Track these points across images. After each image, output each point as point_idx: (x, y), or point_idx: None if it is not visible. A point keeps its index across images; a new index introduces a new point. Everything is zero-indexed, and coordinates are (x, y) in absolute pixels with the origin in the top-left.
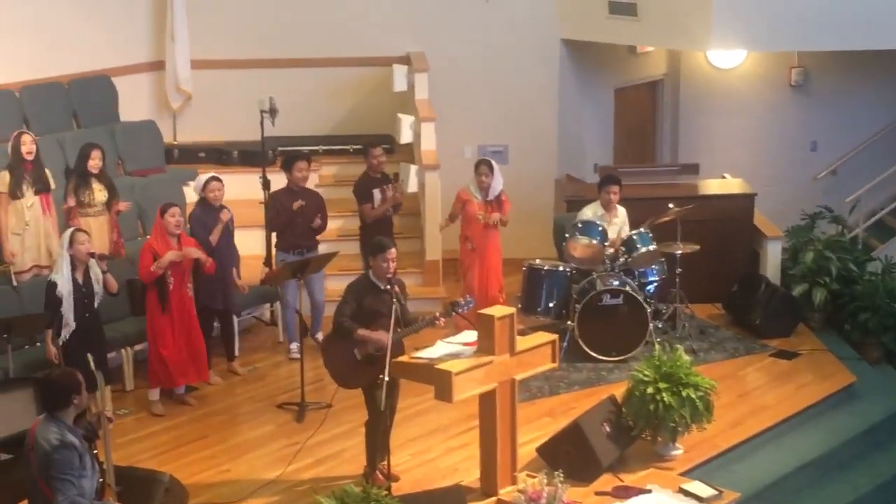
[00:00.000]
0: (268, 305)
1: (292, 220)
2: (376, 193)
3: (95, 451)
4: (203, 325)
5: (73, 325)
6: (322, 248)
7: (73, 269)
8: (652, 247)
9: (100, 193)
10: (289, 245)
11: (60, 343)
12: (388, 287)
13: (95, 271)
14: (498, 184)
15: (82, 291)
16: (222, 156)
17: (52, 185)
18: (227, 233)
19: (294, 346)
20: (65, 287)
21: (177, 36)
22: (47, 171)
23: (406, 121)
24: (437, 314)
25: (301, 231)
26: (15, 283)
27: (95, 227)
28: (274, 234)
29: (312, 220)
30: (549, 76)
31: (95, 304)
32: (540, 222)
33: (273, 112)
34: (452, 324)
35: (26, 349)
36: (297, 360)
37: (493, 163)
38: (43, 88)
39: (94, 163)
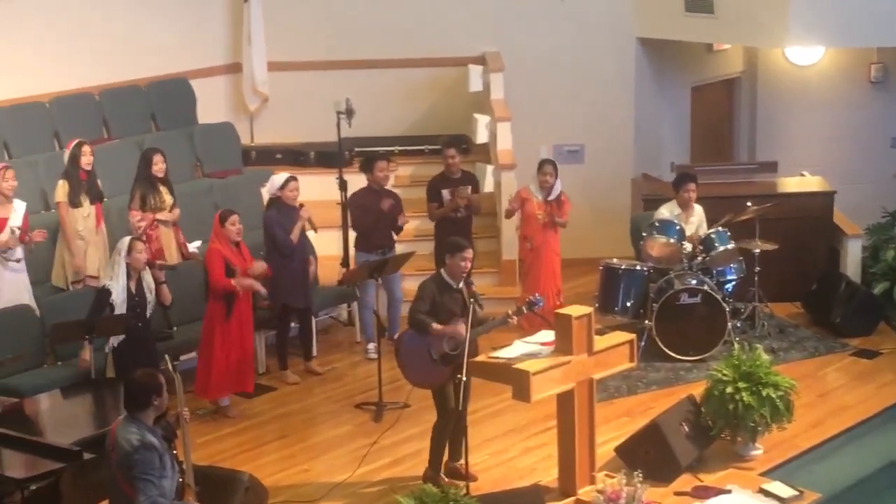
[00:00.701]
0: (345, 306)
1: (378, 219)
2: (445, 193)
3: (175, 452)
4: (281, 325)
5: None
6: (399, 248)
7: (128, 277)
8: (730, 245)
9: (167, 197)
10: (370, 245)
11: (107, 350)
12: (462, 286)
13: (148, 280)
14: (559, 184)
15: (135, 300)
16: (299, 157)
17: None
18: (305, 233)
19: (371, 346)
20: (119, 295)
21: (253, 38)
22: (98, 180)
23: (482, 121)
24: (510, 313)
25: (384, 231)
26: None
27: (164, 232)
28: (352, 235)
29: (396, 221)
30: (625, 74)
31: (147, 314)
32: (616, 221)
33: (350, 113)
34: (519, 323)
35: (105, 351)
36: (375, 360)
37: (556, 163)
38: (122, 91)
39: (159, 167)
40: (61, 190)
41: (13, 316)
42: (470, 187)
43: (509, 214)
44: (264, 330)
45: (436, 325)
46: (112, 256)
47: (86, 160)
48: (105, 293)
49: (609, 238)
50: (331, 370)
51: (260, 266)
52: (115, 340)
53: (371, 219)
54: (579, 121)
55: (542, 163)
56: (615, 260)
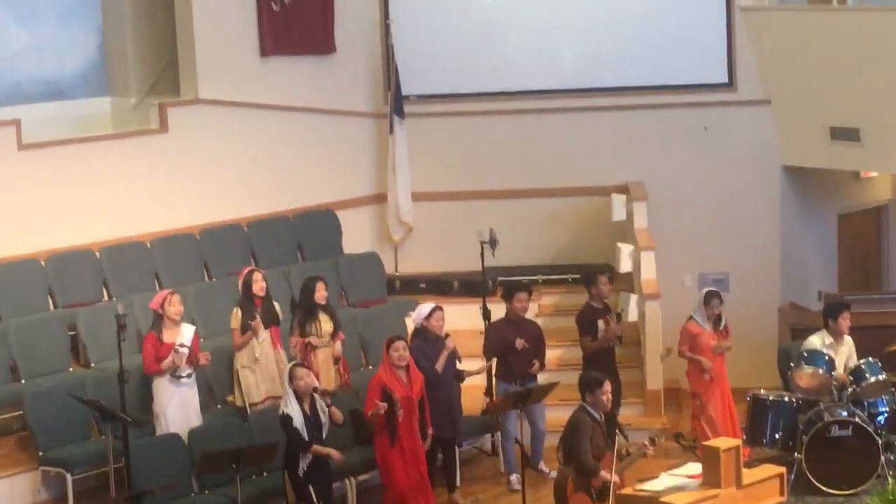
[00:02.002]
0: (488, 436)
1: (510, 352)
2: (600, 324)
3: None
4: (428, 455)
5: (310, 456)
6: (542, 378)
7: (300, 401)
8: (882, 376)
9: (326, 324)
10: (513, 375)
11: (300, 474)
12: (604, 418)
13: (320, 403)
14: (724, 314)
15: (311, 423)
16: (443, 286)
17: (281, 318)
18: (452, 361)
19: (514, 477)
20: (297, 420)
21: (398, 169)
22: (276, 304)
23: (625, 250)
24: (646, 443)
25: (523, 362)
26: (249, 413)
27: (322, 358)
28: (495, 365)
29: (532, 355)
30: (771, 202)
31: (323, 435)
32: (763, 351)
33: (493, 243)
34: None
35: (254, 479)
36: (518, 491)
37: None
38: (269, 222)
39: (321, 294)
40: (235, 317)
41: (167, 443)
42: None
43: (681, 353)
44: None
45: (604, 473)
46: (284, 382)
47: (258, 286)
48: (286, 419)
49: (755, 367)
50: (475, 501)
51: (337, 415)
52: (304, 464)
53: (501, 351)
54: (724, 249)
55: (709, 294)
56: (762, 390)
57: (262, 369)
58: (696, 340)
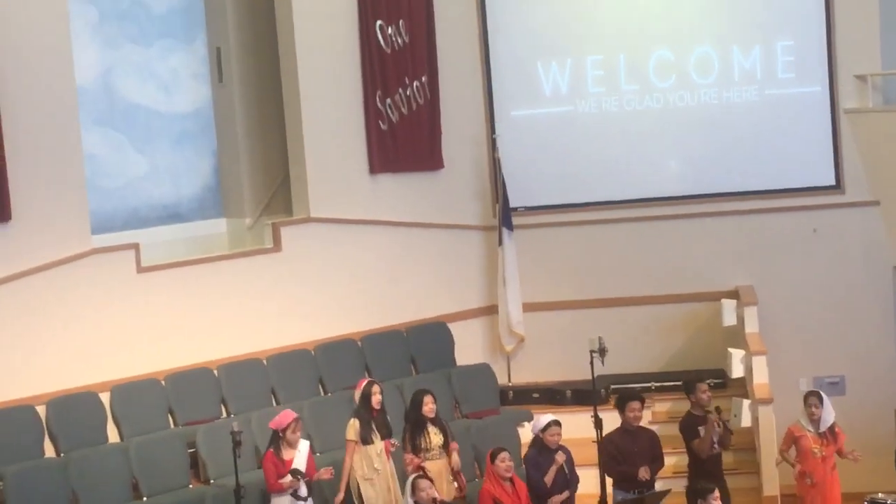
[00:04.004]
0: None
1: (626, 461)
2: (701, 431)
3: None
4: None
5: None
6: (657, 485)
7: None
8: None
9: (436, 437)
10: (628, 484)
11: None
12: None
13: None
14: (829, 415)
15: None
16: (555, 395)
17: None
18: (563, 474)
19: None
20: None
21: (508, 280)
22: (388, 417)
23: (737, 355)
24: None
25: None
26: None
27: (434, 471)
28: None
29: (649, 463)
30: (884, 302)
31: None
32: (881, 454)
33: (602, 351)
34: None
35: None
36: None
37: (823, 394)
38: (382, 336)
39: (429, 407)
40: (352, 428)
41: None
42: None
43: (784, 456)
44: None
45: None
46: (406, 495)
47: (376, 399)
48: None
49: (873, 471)
50: None
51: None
52: None
53: (619, 464)
54: (838, 351)
55: (807, 395)
56: (881, 494)
57: (381, 481)
58: (799, 443)
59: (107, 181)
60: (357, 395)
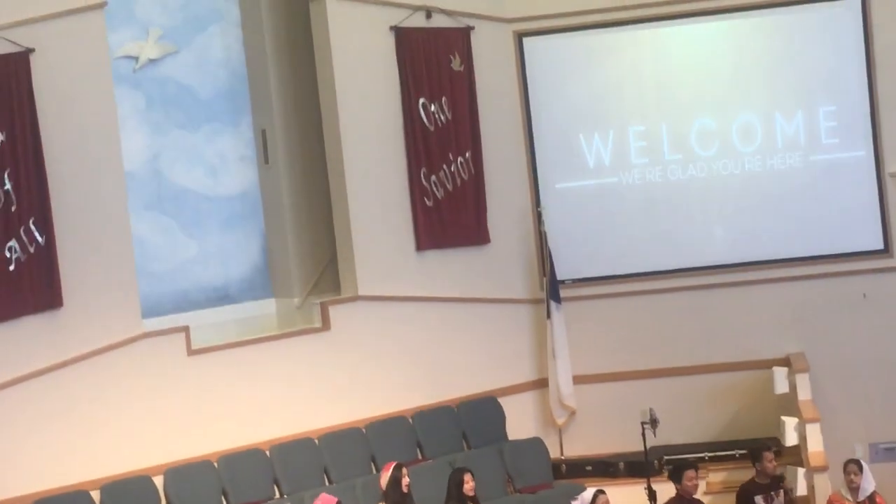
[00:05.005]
0: None
1: None
2: (758, 500)
3: None
4: None
5: None
6: None
7: None
8: None
9: None
10: None
11: None
12: None
13: None
14: (869, 484)
15: None
16: (609, 468)
17: None
18: None
19: None
20: None
21: (558, 353)
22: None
23: (790, 423)
24: None
25: None
26: None
27: None
28: None
29: None
30: None
31: None
32: None
33: (654, 423)
34: None
35: None
36: None
37: (863, 462)
38: (433, 413)
39: (469, 486)
40: None
41: None
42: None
43: None
44: None
45: None
46: None
47: (405, 482)
48: None
49: None
50: None
51: None
52: None
53: None
54: (893, 416)
55: (847, 463)
56: None
57: None
58: None
59: (157, 265)
60: (385, 478)
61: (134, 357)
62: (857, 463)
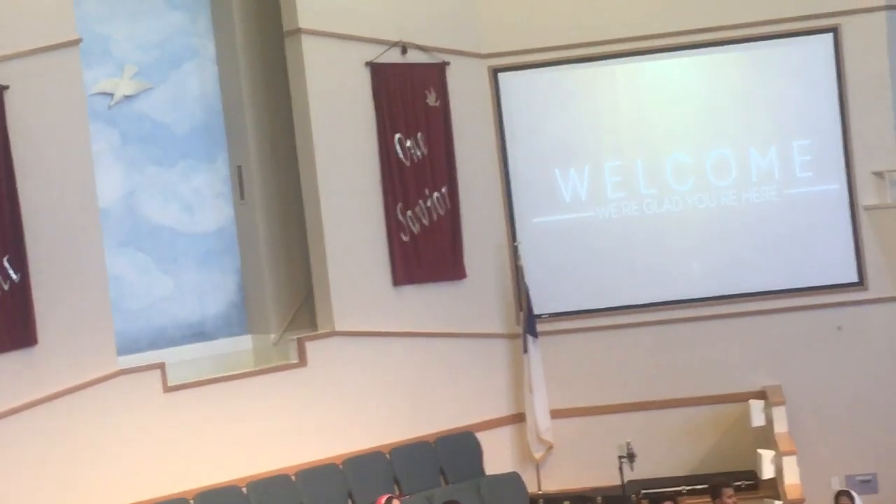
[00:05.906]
0: None
1: None
2: None
3: None
4: None
5: None
6: None
7: None
8: None
9: None
10: None
11: None
12: None
13: None
14: None
15: None
16: (586, 502)
17: None
18: None
19: None
20: None
21: (535, 388)
22: None
23: (766, 456)
24: None
25: None
26: None
27: None
28: None
29: None
30: None
31: None
32: None
33: (631, 457)
34: None
35: None
36: None
37: (854, 493)
38: (411, 448)
39: None
40: None
41: None
42: None
43: None
44: None
45: None
46: None
47: None
48: None
49: None
50: None
51: None
52: None
53: None
54: (869, 448)
55: (838, 494)
56: None
57: None
58: None
59: (132, 302)
60: None
61: (109, 395)
62: (849, 494)
